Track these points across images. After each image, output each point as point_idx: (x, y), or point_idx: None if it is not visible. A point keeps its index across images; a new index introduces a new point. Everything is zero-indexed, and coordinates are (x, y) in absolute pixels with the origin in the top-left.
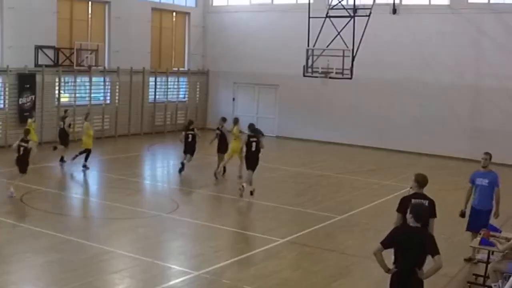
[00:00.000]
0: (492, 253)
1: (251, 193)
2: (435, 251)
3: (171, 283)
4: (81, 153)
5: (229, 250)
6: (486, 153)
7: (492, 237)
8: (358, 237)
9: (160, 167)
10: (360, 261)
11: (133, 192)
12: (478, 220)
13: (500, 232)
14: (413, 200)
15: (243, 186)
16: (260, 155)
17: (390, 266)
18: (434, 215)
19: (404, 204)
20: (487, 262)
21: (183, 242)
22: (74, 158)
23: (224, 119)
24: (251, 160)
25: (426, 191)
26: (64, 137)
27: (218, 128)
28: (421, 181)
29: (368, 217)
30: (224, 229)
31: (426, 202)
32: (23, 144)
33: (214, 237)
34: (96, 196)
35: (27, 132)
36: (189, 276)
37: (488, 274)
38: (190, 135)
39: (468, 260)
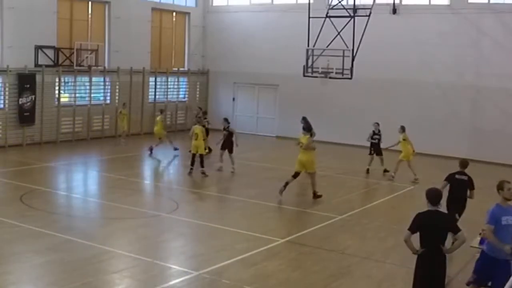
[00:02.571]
0: None
1: None
2: (457, 229)
3: (171, 283)
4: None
5: (229, 250)
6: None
7: None
8: (358, 237)
9: (160, 167)
10: (360, 261)
11: (133, 192)
12: (492, 272)
13: None
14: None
15: None
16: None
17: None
18: (473, 188)
19: (449, 177)
20: None
21: (183, 242)
22: (202, 173)
23: (227, 120)
24: None
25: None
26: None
27: (224, 129)
28: (462, 162)
29: (368, 217)
30: (224, 229)
31: (466, 178)
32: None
33: (214, 237)
34: (96, 196)
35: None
36: (189, 276)
37: None
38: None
39: None
